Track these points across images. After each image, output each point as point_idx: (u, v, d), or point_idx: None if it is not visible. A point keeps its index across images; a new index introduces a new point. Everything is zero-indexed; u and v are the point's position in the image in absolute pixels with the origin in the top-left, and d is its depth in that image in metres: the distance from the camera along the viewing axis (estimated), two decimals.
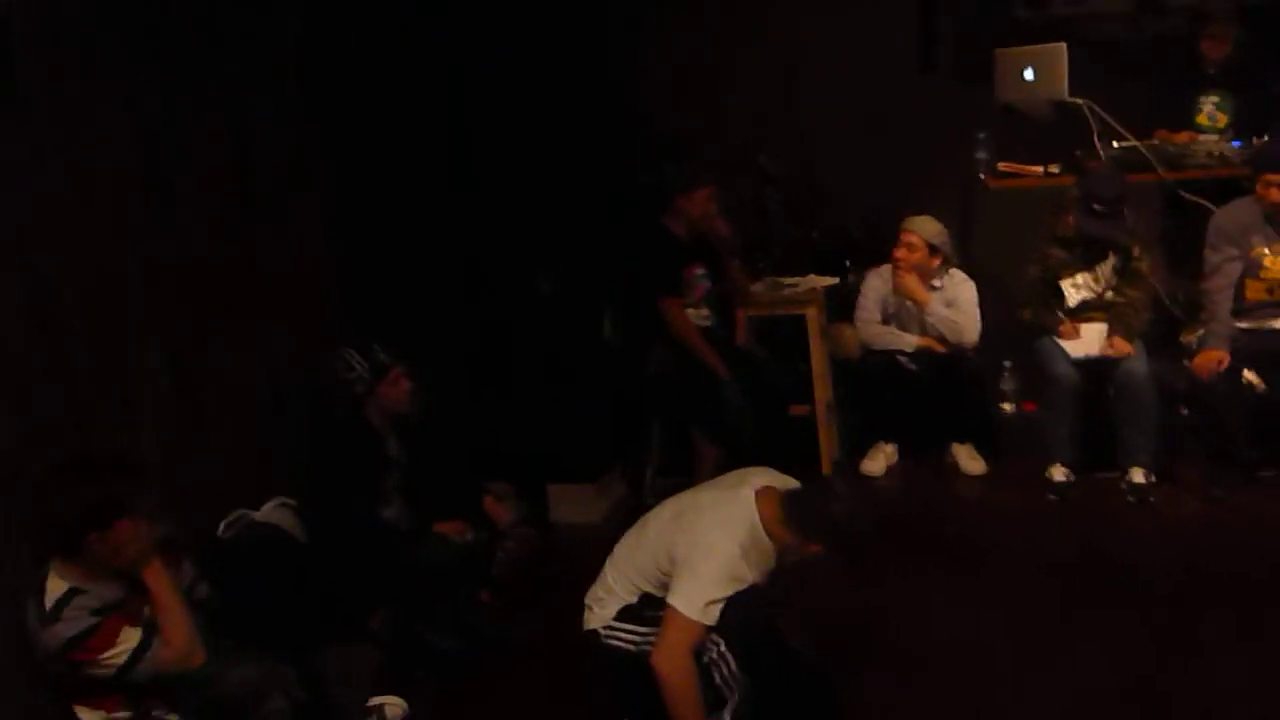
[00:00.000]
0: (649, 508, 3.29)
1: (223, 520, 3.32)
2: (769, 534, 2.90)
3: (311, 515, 3.46)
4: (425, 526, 3.78)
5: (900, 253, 4.81)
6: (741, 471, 3.12)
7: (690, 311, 4.76)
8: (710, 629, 2.85)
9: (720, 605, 2.82)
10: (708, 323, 4.85)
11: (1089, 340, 4.62)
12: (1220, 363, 4.32)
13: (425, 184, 5.08)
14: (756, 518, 2.89)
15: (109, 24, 3.21)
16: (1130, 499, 4.44)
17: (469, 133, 5.50)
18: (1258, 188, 4.37)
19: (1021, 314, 4.75)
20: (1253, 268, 4.44)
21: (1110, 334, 4.58)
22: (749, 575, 2.87)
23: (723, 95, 6.12)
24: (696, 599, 2.82)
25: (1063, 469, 4.59)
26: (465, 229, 5.35)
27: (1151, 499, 4.41)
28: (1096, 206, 4.52)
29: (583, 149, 5.61)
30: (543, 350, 5.10)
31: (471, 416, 4.83)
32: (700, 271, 4.80)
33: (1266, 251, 4.41)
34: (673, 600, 2.85)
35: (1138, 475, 4.47)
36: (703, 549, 2.87)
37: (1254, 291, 4.48)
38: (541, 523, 4.62)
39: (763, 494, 2.94)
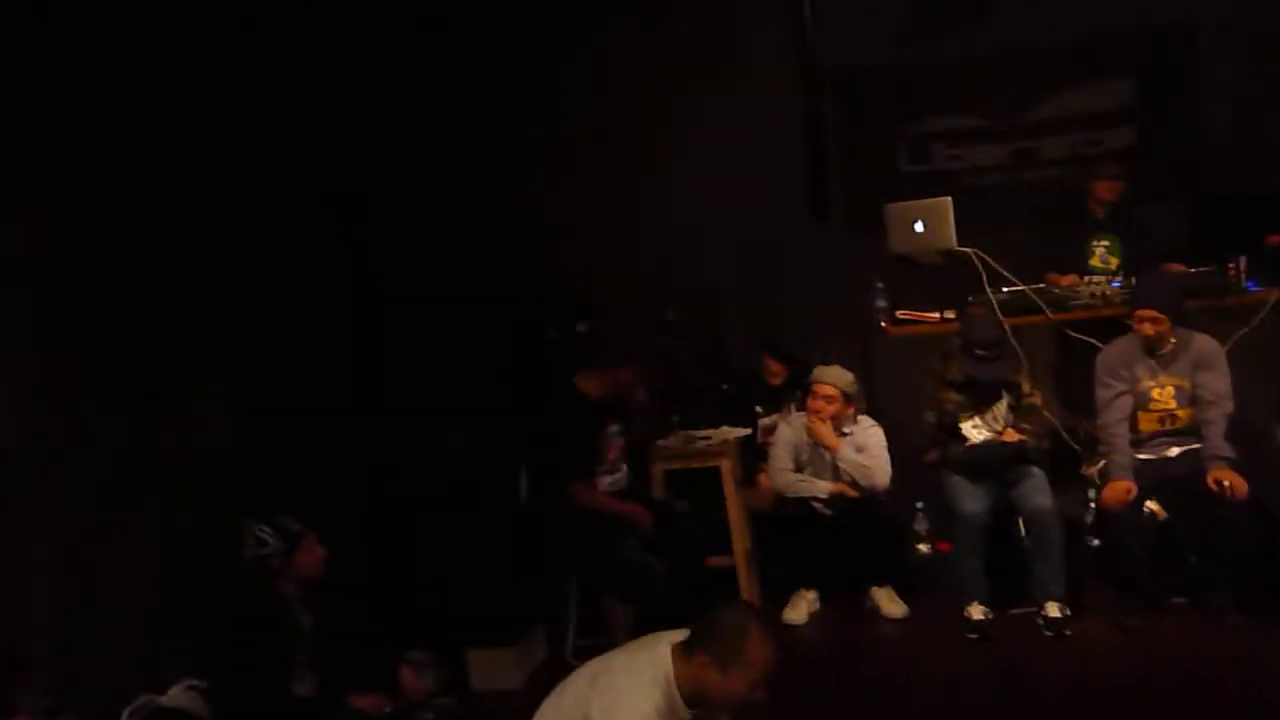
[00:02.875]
0: (571, 669, 3.23)
1: (126, 707, 3.19)
2: (684, 693, 2.81)
3: (221, 696, 3.34)
4: (340, 700, 3.67)
5: (817, 403, 4.93)
6: (659, 633, 3.04)
7: (605, 478, 4.78)
8: None
9: None
10: (622, 483, 4.88)
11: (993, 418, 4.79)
12: (1129, 492, 4.44)
13: (330, 352, 5.08)
14: (672, 677, 2.80)
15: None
16: (1047, 633, 4.48)
17: (375, 293, 5.54)
18: (1133, 324, 4.59)
19: (925, 458, 4.87)
20: (1142, 401, 4.62)
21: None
22: None
23: (628, 249, 6.32)
24: None
25: (980, 607, 4.64)
26: (372, 389, 5.34)
27: (1067, 632, 4.46)
28: (979, 351, 4.73)
29: (490, 303, 5.69)
30: (457, 510, 5.06)
31: (384, 582, 4.75)
32: (614, 429, 4.85)
33: (1152, 384, 4.60)
34: None
35: (1052, 609, 4.53)
36: (618, 714, 2.80)
37: (1146, 423, 4.64)
38: (461, 690, 4.51)
39: (677, 652, 2.85)
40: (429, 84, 5.97)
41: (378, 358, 5.42)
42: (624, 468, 4.88)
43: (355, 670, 3.78)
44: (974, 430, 4.81)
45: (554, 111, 6.51)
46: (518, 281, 5.92)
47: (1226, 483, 4.31)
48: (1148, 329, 4.52)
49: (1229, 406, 4.50)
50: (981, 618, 4.62)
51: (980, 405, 4.83)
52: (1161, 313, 4.48)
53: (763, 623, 2.87)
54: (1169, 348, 4.56)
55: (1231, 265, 5.07)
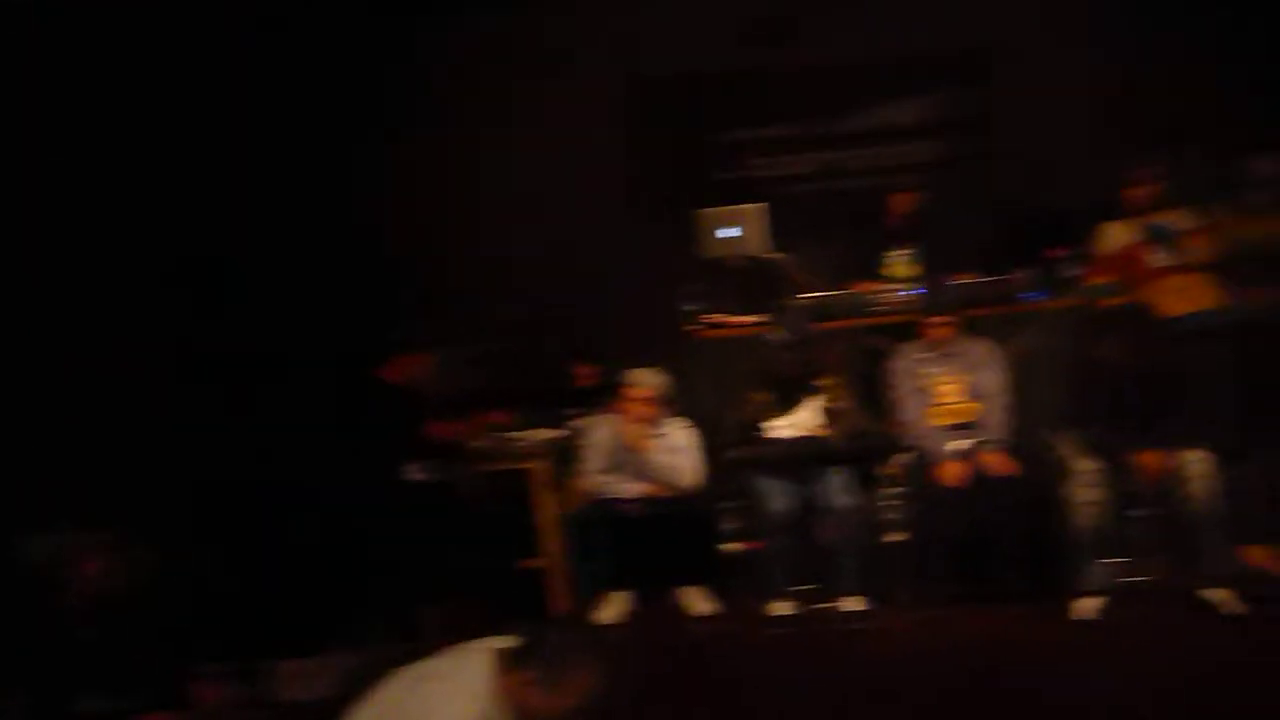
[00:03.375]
0: (382, 676, 3.16)
1: None
2: (507, 697, 2.78)
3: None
4: (124, 716, 3.48)
5: (626, 405, 4.98)
6: (479, 640, 2.97)
7: (416, 467, 4.71)
8: None
9: None
10: (435, 478, 4.81)
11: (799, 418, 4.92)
12: (959, 473, 4.73)
13: (139, 350, 4.86)
14: (493, 688, 2.78)
15: None
16: (850, 627, 4.64)
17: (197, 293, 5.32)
18: (924, 329, 4.94)
19: (728, 455, 4.98)
20: (932, 398, 4.94)
21: None
22: None
23: (452, 249, 6.26)
24: None
25: (785, 603, 4.77)
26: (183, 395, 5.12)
27: (866, 625, 4.63)
28: (786, 350, 4.90)
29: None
30: (258, 519, 4.88)
31: (180, 591, 4.53)
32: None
33: (939, 382, 4.95)
34: None
35: (851, 604, 4.70)
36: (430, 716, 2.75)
37: (936, 419, 4.95)
38: (267, 703, 4.34)
39: (500, 663, 2.83)
40: (264, 83, 5.78)
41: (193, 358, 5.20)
42: (435, 464, 4.81)
43: (146, 685, 3.60)
44: (782, 429, 4.94)
45: (386, 108, 6.38)
46: (343, 281, 5.77)
47: (993, 462, 4.70)
48: (934, 333, 4.92)
49: (1005, 400, 4.90)
50: (787, 613, 4.74)
51: (788, 404, 4.97)
52: (950, 317, 4.89)
53: (591, 646, 2.87)
54: (951, 348, 4.94)
55: (1017, 276, 5.38)
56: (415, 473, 4.75)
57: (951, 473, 4.77)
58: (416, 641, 4.31)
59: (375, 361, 4.80)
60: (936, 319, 4.93)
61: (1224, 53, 5.90)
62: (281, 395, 5.30)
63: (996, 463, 4.77)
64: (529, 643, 2.82)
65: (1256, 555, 4.40)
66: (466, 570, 4.58)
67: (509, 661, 2.80)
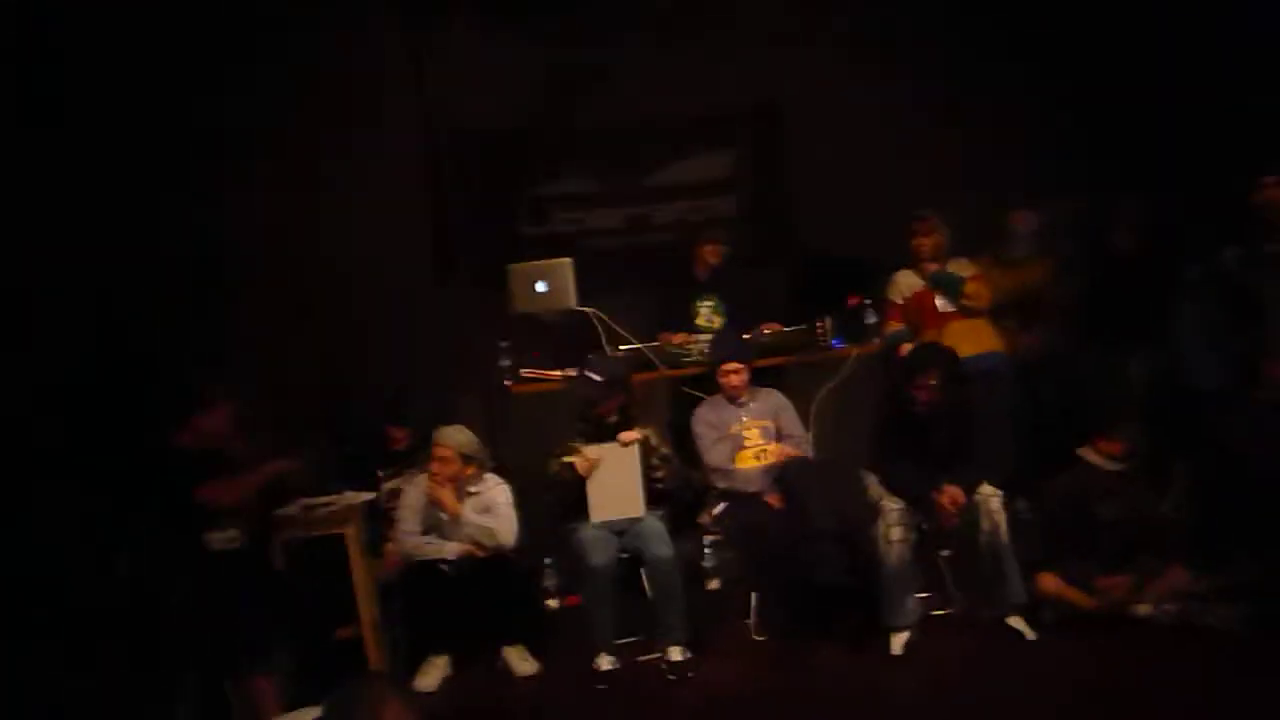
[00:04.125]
0: None
1: None
2: None
3: None
4: None
5: (435, 466, 4.89)
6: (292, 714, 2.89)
7: (217, 535, 4.46)
8: None
9: None
10: (235, 545, 4.56)
11: (607, 503, 4.91)
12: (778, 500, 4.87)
13: None
14: None
15: None
16: (671, 677, 4.65)
17: None
18: (719, 378, 5.13)
19: (547, 505, 4.96)
20: (737, 443, 5.09)
21: None
22: None
23: (253, 303, 6.05)
24: None
25: (608, 657, 4.74)
26: None
27: (690, 674, 4.65)
28: (599, 401, 4.96)
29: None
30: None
31: None
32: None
33: (740, 428, 5.11)
34: None
35: (675, 653, 4.72)
36: None
37: (743, 461, 5.08)
38: None
39: None
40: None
41: None
42: (235, 532, 4.57)
43: None
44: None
45: (190, 161, 6.12)
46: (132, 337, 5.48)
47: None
48: (732, 380, 5.12)
49: (807, 439, 5.15)
50: (610, 668, 4.72)
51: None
52: (742, 364, 5.11)
53: (399, 697, 2.70)
54: (747, 395, 5.15)
55: (820, 325, 5.59)
56: (217, 542, 4.49)
57: (772, 500, 4.89)
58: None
59: (164, 424, 4.54)
60: (730, 366, 5.12)
61: (999, 105, 6.32)
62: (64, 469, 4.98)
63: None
64: (336, 704, 2.67)
65: (1049, 584, 4.64)
66: (277, 642, 4.34)
67: None
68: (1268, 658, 4.16)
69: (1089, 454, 4.80)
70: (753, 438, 5.11)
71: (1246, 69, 5.62)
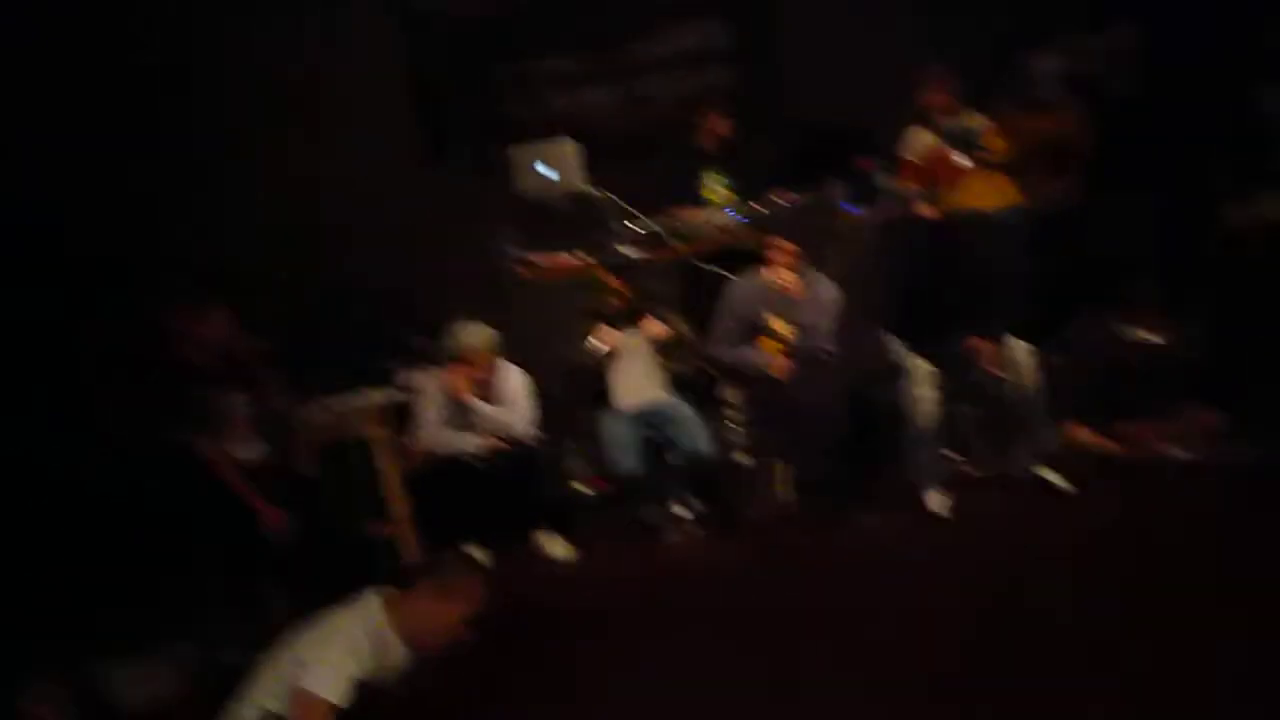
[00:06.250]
0: (236, 669, 3.07)
1: None
2: (400, 634, 3.00)
3: None
4: None
5: (464, 370, 4.85)
6: (368, 591, 3.14)
7: (239, 446, 4.42)
8: None
9: (349, 685, 2.85)
10: (259, 458, 4.52)
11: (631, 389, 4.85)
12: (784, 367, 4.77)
13: None
14: (383, 620, 2.98)
15: None
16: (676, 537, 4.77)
17: None
18: (767, 254, 4.83)
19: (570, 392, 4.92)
20: (764, 330, 4.90)
21: None
22: (377, 664, 2.94)
23: (245, 208, 5.90)
24: (325, 679, 2.83)
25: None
26: None
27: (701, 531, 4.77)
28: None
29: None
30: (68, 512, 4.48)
31: None
32: (240, 399, 4.47)
33: (776, 321, 4.87)
34: (302, 684, 2.83)
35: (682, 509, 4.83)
36: (327, 641, 2.92)
37: (768, 348, 4.91)
38: (106, 713, 3.99)
39: (391, 598, 3.04)
40: None
41: None
42: (259, 442, 4.52)
43: None
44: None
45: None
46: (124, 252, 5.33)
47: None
48: (784, 261, 4.79)
49: (828, 346, 4.89)
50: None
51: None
52: (798, 245, 4.79)
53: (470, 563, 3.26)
54: (799, 291, 4.82)
55: (833, 189, 5.46)
56: (242, 454, 4.44)
57: (779, 366, 4.79)
58: (264, 621, 4.08)
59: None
60: (785, 244, 4.81)
61: None
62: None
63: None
64: (422, 569, 3.22)
65: (1079, 434, 4.64)
66: (312, 544, 4.32)
67: (405, 587, 3.07)
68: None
69: (1127, 331, 4.71)
70: (783, 332, 4.83)
71: None
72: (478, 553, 4.84)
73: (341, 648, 2.87)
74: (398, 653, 3.01)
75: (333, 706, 2.81)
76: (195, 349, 4.39)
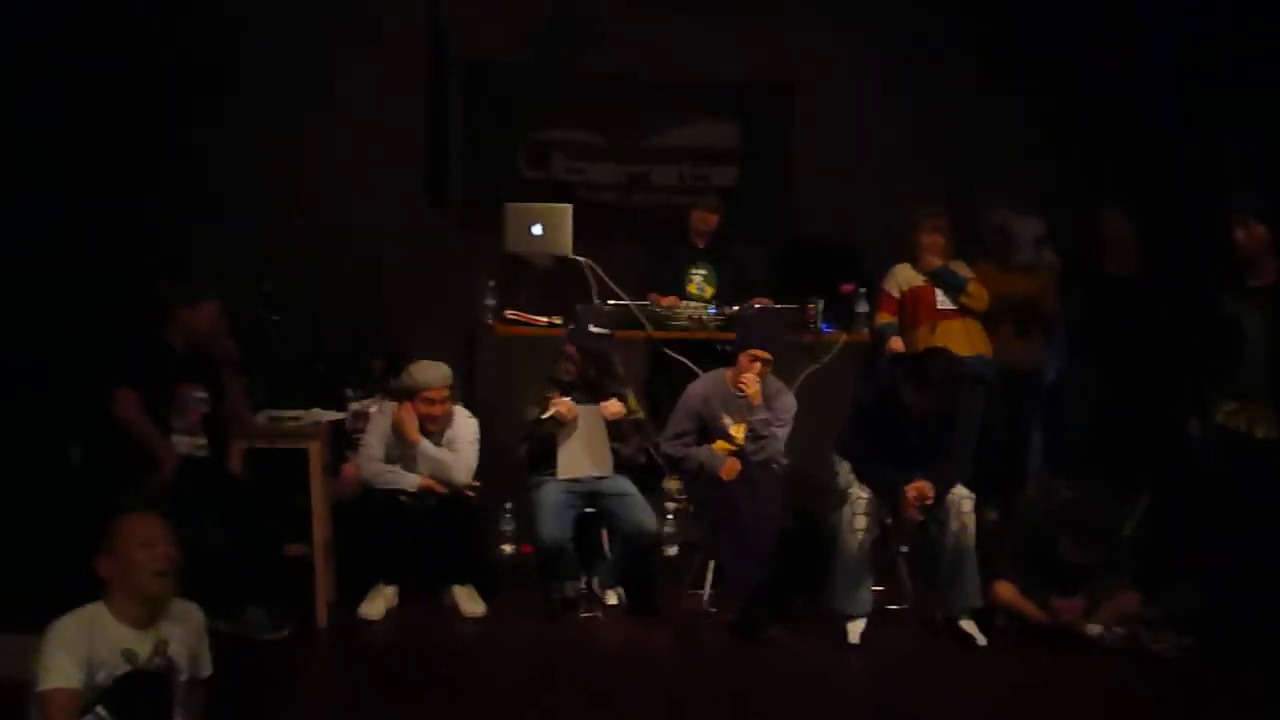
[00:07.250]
0: None
1: None
2: (117, 613, 2.84)
3: None
4: None
5: (422, 406, 4.78)
6: None
7: (185, 438, 4.38)
8: None
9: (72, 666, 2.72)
10: (202, 452, 4.48)
11: (578, 461, 4.84)
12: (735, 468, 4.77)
13: None
14: (102, 608, 2.84)
15: None
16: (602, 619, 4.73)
17: None
18: (739, 361, 4.84)
19: (519, 452, 4.89)
20: (719, 433, 4.90)
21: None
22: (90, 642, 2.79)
23: (223, 217, 5.94)
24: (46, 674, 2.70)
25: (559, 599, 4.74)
26: None
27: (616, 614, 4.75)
28: (593, 330, 4.86)
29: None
30: None
31: None
32: (199, 394, 4.45)
33: (731, 423, 4.88)
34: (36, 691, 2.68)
35: (612, 597, 4.83)
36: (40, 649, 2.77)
37: (722, 449, 4.88)
38: None
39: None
40: None
41: None
42: (203, 439, 4.48)
43: None
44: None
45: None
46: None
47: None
48: (756, 368, 4.81)
49: (781, 458, 4.90)
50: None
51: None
52: (770, 355, 4.82)
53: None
54: (760, 398, 4.82)
55: (810, 306, 5.54)
56: (184, 446, 4.40)
57: (729, 468, 4.78)
58: None
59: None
60: (760, 354, 4.81)
61: (1010, 102, 6.30)
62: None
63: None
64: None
65: (1005, 592, 4.65)
66: (223, 548, 4.26)
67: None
68: (1206, 686, 4.22)
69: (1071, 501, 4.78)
70: (737, 435, 4.85)
71: None
72: (389, 592, 4.79)
73: (49, 645, 2.74)
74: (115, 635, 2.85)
75: (68, 691, 2.69)
76: (180, 334, 4.41)
